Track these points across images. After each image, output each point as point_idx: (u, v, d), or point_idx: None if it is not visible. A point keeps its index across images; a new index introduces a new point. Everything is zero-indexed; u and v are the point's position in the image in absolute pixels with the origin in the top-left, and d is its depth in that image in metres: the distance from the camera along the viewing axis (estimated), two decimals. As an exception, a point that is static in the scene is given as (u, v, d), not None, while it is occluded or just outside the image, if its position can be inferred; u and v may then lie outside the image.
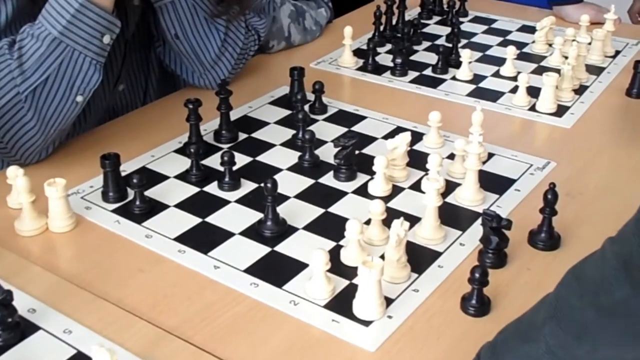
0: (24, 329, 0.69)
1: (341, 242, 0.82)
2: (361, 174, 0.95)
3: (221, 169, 0.93)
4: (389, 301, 0.73)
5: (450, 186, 0.92)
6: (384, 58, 1.33)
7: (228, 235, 0.84)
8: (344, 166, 0.94)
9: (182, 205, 0.89)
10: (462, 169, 0.92)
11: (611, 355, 0.51)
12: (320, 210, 0.88)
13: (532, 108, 1.15)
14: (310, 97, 1.13)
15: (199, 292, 0.76)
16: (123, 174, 0.93)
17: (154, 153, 1.01)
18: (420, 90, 1.22)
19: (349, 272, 0.77)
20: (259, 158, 1.00)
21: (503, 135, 1.07)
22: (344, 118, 1.12)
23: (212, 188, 0.93)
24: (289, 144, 1.04)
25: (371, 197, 0.90)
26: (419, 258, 0.80)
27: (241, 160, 0.98)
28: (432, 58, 1.31)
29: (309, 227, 0.85)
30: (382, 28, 1.41)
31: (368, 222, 0.83)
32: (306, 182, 0.95)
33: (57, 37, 0.90)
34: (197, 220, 0.87)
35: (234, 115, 1.09)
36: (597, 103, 1.18)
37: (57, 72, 0.91)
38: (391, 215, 0.80)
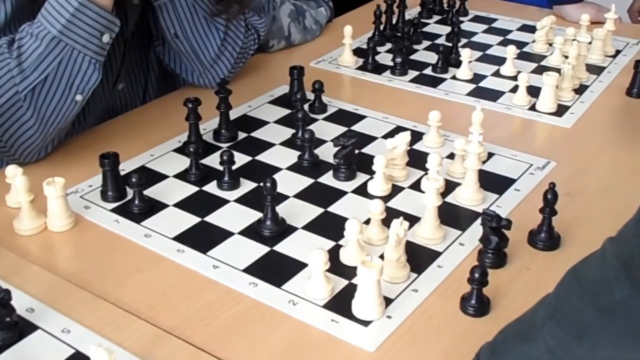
0: (22, 328, 0.69)
1: (340, 242, 0.82)
2: (361, 173, 0.95)
3: (220, 168, 0.93)
4: (388, 301, 0.73)
5: (450, 186, 0.92)
6: (384, 57, 1.33)
7: (227, 234, 0.84)
8: (344, 166, 0.94)
9: (181, 205, 0.89)
10: (462, 168, 0.92)
11: (611, 355, 0.51)
12: (320, 210, 0.88)
13: (532, 107, 1.15)
14: (310, 96, 1.13)
15: (198, 291, 0.76)
16: (122, 173, 0.93)
17: (153, 152, 1.01)
18: (420, 90, 1.22)
19: (348, 272, 0.77)
20: (259, 157, 1.00)
21: (503, 134, 1.07)
22: (344, 117, 1.12)
23: (212, 187, 0.93)
24: (288, 143, 1.04)
25: (371, 197, 0.90)
26: (419, 258, 0.79)
27: (240, 159, 0.98)
28: (432, 57, 1.31)
29: (309, 227, 0.85)
30: (382, 27, 1.40)
31: (367, 222, 0.82)
32: (306, 181, 0.94)
33: (57, 36, 0.90)
34: (196, 219, 0.86)
35: (233, 114, 1.09)
36: (597, 103, 1.18)
37: (56, 71, 0.91)
38: (391, 215, 0.80)
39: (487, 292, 0.73)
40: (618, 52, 1.37)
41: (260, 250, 0.81)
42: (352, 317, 0.71)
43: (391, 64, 1.28)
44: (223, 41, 1.15)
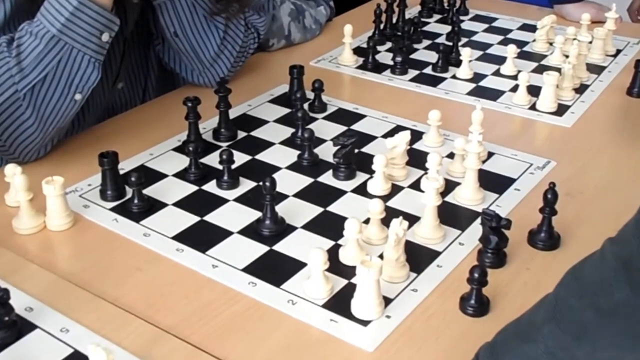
0: (21, 327, 0.69)
1: (340, 241, 0.82)
2: (360, 172, 0.95)
3: (220, 167, 0.92)
4: (387, 301, 0.73)
5: (450, 185, 0.92)
6: (384, 56, 1.32)
7: (226, 234, 0.84)
8: (343, 165, 0.94)
9: (181, 204, 0.89)
10: (462, 168, 0.92)
11: (611, 356, 0.51)
12: (319, 209, 0.88)
13: (533, 107, 1.15)
14: (310, 95, 1.13)
15: (197, 291, 0.76)
16: (122, 172, 0.92)
17: (152, 151, 1.01)
18: (420, 89, 1.21)
19: (347, 272, 0.77)
20: (258, 156, 1.00)
21: (503, 134, 1.07)
22: (344, 116, 1.11)
23: (211, 186, 0.92)
24: (288, 142, 1.03)
25: (370, 196, 0.89)
26: (418, 257, 0.79)
27: (240, 158, 0.98)
28: (432, 56, 1.31)
29: (308, 226, 0.85)
30: (382, 26, 1.40)
31: (367, 221, 0.82)
32: (305, 180, 0.94)
33: (56, 34, 0.90)
34: (195, 218, 0.86)
35: (233, 113, 1.09)
36: (597, 102, 1.18)
37: (55, 70, 0.91)
38: (390, 215, 0.80)
39: (486, 292, 0.73)
40: (619, 51, 1.37)
41: (260, 249, 0.81)
42: (351, 316, 0.71)
43: (391, 63, 1.27)
44: (223, 40, 1.14)
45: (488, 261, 0.78)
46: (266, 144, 1.03)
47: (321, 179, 0.95)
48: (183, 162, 0.97)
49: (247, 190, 0.92)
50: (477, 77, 1.25)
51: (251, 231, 0.84)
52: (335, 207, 0.89)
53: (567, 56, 1.21)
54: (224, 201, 0.90)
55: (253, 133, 1.06)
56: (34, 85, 0.91)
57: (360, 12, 1.57)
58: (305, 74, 1.15)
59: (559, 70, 1.18)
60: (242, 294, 0.75)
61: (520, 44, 1.36)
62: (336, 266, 0.77)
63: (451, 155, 0.97)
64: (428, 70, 1.28)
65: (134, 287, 0.76)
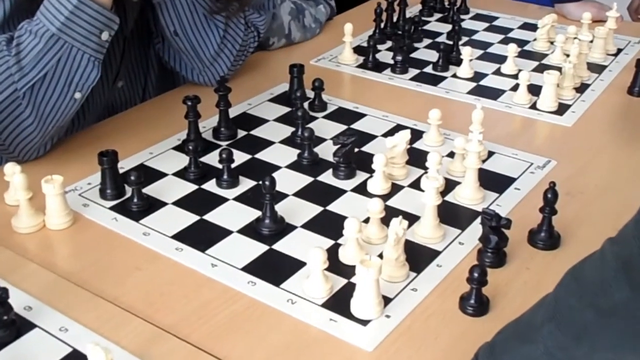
0: (20, 326, 0.69)
1: (339, 241, 0.81)
2: (360, 172, 0.95)
3: (220, 166, 0.92)
4: (387, 300, 0.73)
5: (450, 185, 0.92)
6: (385, 55, 1.32)
7: (226, 233, 0.83)
8: (343, 164, 0.94)
9: (180, 203, 0.89)
10: (462, 167, 0.92)
11: (610, 357, 0.51)
12: (319, 209, 0.88)
13: (533, 106, 1.15)
14: (310, 94, 1.13)
15: (196, 290, 0.76)
16: (121, 171, 0.92)
17: (152, 150, 1.01)
18: (420, 88, 1.21)
19: (347, 271, 0.77)
20: (258, 155, 1.00)
21: (503, 133, 1.07)
22: (344, 115, 1.11)
23: (211, 185, 0.92)
24: (288, 141, 1.03)
25: (370, 196, 0.89)
26: (418, 257, 0.79)
27: (240, 157, 0.98)
28: (432, 55, 1.31)
29: (308, 225, 0.85)
30: (382, 25, 1.40)
31: (367, 221, 0.82)
32: (305, 179, 0.94)
33: (55, 33, 0.90)
34: (195, 217, 0.86)
35: (233, 112, 1.09)
36: (598, 101, 1.17)
37: (55, 69, 0.91)
38: (390, 214, 0.80)
39: (486, 291, 0.73)
40: (619, 50, 1.36)
41: (259, 248, 0.81)
42: (350, 316, 0.71)
43: (392, 62, 1.27)
44: (223, 39, 1.14)
45: (488, 261, 0.78)
46: (266, 143, 1.03)
47: (321, 178, 0.94)
48: (183, 161, 0.96)
49: (247, 189, 0.92)
50: (478, 76, 1.25)
51: (251, 230, 0.84)
52: (335, 207, 0.88)
53: (567, 55, 1.21)
54: (223, 200, 0.90)
55: (253, 132, 1.06)
56: (34, 84, 0.91)
57: (361, 11, 1.56)
58: (305, 73, 1.14)
59: (559, 69, 1.18)
60: (241, 293, 0.75)
61: (521, 43, 1.36)
62: (336, 265, 0.77)
63: (451, 155, 0.97)
64: (428, 69, 1.28)
65: (133, 286, 0.76)
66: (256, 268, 0.78)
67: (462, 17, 1.50)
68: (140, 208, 0.87)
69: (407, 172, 0.95)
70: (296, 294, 0.74)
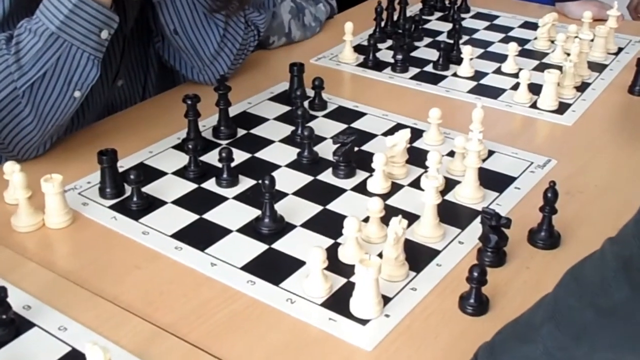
0: (19, 325, 0.69)
1: (339, 240, 0.81)
2: (360, 171, 0.95)
3: (219, 165, 0.92)
4: (386, 300, 0.73)
5: (450, 184, 0.92)
6: (385, 54, 1.32)
7: (225, 232, 0.83)
8: (343, 163, 0.94)
9: (180, 202, 0.89)
10: (462, 166, 0.91)
11: (610, 357, 0.51)
12: (319, 208, 0.88)
13: (534, 105, 1.15)
14: (310, 93, 1.12)
15: (195, 289, 0.76)
16: (121, 169, 0.92)
17: (152, 149, 1.01)
18: (420, 87, 1.21)
19: (346, 270, 0.77)
20: (258, 154, 1.00)
21: (504, 132, 1.06)
22: (344, 114, 1.11)
23: (210, 184, 0.92)
24: (288, 140, 1.03)
25: (370, 195, 0.89)
26: (417, 256, 0.79)
27: (240, 156, 0.98)
28: (433, 54, 1.30)
29: (307, 225, 0.85)
30: (383, 24, 1.40)
31: (366, 220, 0.82)
32: (305, 179, 0.94)
33: (55, 32, 0.90)
34: (194, 216, 0.86)
35: (233, 111, 1.08)
36: (599, 100, 1.17)
37: (54, 68, 0.91)
38: (390, 213, 0.80)
39: (486, 291, 0.73)
40: (620, 49, 1.36)
41: (259, 248, 0.81)
42: (350, 315, 0.71)
43: (392, 60, 1.27)
44: (223, 37, 1.14)
45: (488, 260, 0.78)
46: (266, 142, 1.03)
47: (321, 177, 0.94)
48: (182, 159, 0.96)
49: (247, 188, 0.92)
50: (478, 75, 1.24)
51: (250, 229, 0.83)
52: (334, 206, 0.88)
53: (568, 54, 1.21)
54: (223, 199, 0.89)
55: (253, 131, 1.06)
56: (33, 83, 0.91)
57: (361, 10, 1.56)
58: (305, 72, 1.14)
59: (560, 68, 1.18)
60: (240, 293, 0.75)
61: (522, 41, 1.36)
62: (335, 265, 0.77)
63: (451, 154, 0.97)
64: (429, 68, 1.27)
65: (132, 285, 0.76)
66: (255, 267, 0.78)
67: (463, 15, 1.50)
68: (140, 207, 0.87)
69: (407, 171, 0.94)
70: (295, 293, 0.74)
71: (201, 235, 0.83)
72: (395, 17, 1.44)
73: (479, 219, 0.81)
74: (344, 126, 1.07)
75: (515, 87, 1.18)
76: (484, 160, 0.96)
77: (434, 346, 0.69)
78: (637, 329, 0.49)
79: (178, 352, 0.67)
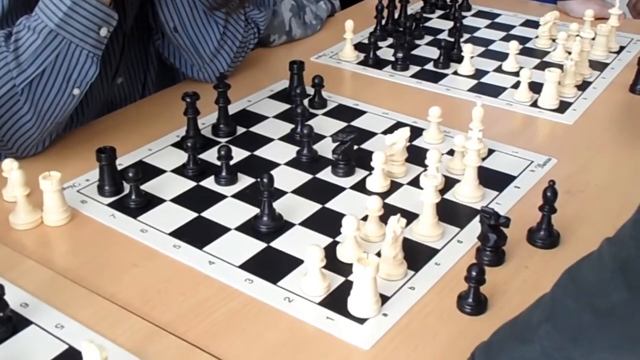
0: (16, 323, 0.69)
1: (337, 239, 0.81)
2: (360, 169, 0.94)
3: (218, 163, 0.92)
4: (384, 299, 0.72)
5: (450, 182, 0.91)
6: (386, 52, 1.32)
7: (224, 230, 0.83)
8: (342, 161, 0.93)
9: (178, 200, 0.89)
10: (462, 165, 0.91)
11: (608, 358, 0.51)
12: (318, 206, 0.88)
13: (534, 104, 1.14)
14: (310, 91, 1.12)
15: (193, 287, 0.75)
16: (120, 167, 0.92)
17: (151, 147, 1.01)
18: (421, 85, 1.21)
19: (344, 269, 0.76)
20: (257, 152, 0.99)
21: (504, 131, 1.06)
22: (344, 113, 1.11)
23: (209, 182, 0.92)
24: (287, 138, 1.03)
25: (369, 193, 0.89)
26: (416, 255, 0.79)
27: (239, 154, 0.97)
28: (434, 52, 1.30)
29: (306, 223, 0.84)
30: (383, 22, 1.39)
31: (365, 219, 0.82)
32: (304, 177, 0.94)
33: (54, 29, 0.89)
34: (193, 215, 0.86)
35: (233, 108, 1.08)
36: (600, 99, 1.17)
37: (53, 65, 0.91)
38: (389, 212, 0.79)
39: (485, 290, 0.72)
40: (622, 48, 1.36)
41: (257, 246, 0.81)
42: (347, 314, 0.71)
43: (392, 59, 1.27)
44: (223, 35, 1.14)
45: (486, 259, 0.78)
46: (265, 140, 1.02)
47: (320, 175, 0.94)
48: (181, 157, 0.96)
49: (246, 186, 0.91)
50: (479, 74, 1.24)
51: (249, 228, 0.83)
52: (333, 204, 0.88)
53: (569, 53, 1.20)
54: (221, 197, 0.89)
55: (252, 129, 1.06)
56: (32, 80, 0.90)
57: (362, 8, 1.56)
58: (305, 70, 1.14)
59: (561, 66, 1.17)
60: (238, 291, 0.75)
61: (523, 40, 1.36)
62: (333, 263, 0.77)
63: (451, 152, 0.97)
64: (429, 66, 1.27)
65: (130, 283, 0.76)
66: (254, 266, 0.78)
67: (464, 14, 1.50)
68: (138, 205, 0.87)
69: (407, 170, 0.94)
70: (293, 292, 0.74)
71: (199, 234, 0.83)
72: (396, 15, 1.43)
73: (478, 218, 0.81)
74: (344, 124, 1.07)
75: (516, 85, 1.18)
76: (483, 159, 0.95)
77: (431, 345, 0.68)
78: (635, 330, 0.49)
79: (175, 351, 0.67)
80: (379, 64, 1.27)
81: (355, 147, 0.97)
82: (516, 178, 0.94)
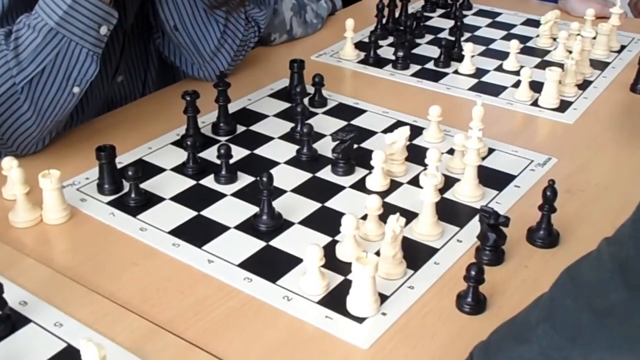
0: (15, 321, 0.69)
1: (337, 237, 0.81)
2: (359, 168, 0.94)
3: (218, 162, 0.92)
4: (383, 298, 0.72)
5: (450, 182, 0.91)
6: (386, 51, 1.32)
7: (223, 229, 0.83)
8: (342, 160, 0.93)
9: (178, 198, 0.89)
10: (462, 164, 0.91)
11: (606, 358, 0.50)
12: (317, 205, 0.88)
13: (535, 103, 1.14)
14: (310, 90, 1.12)
15: (192, 286, 0.75)
16: (120, 165, 0.92)
17: (151, 145, 1.00)
18: (421, 84, 1.21)
19: (344, 268, 0.76)
20: (257, 151, 0.99)
21: (504, 130, 1.06)
22: (344, 111, 1.11)
23: (209, 181, 0.92)
24: (287, 137, 1.03)
25: (369, 192, 0.89)
26: (415, 254, 0.79)
27: (239, 153, 0.97)
28: (434, 51, 1.30)
29: (305, 222, 0.84)
30: (384, 21, 1.39)
31: (365, 218, 0.82)
32: (304, 176, 0.94)
33: (54, 27, 0.89)
34: (192, 213, 0.86)
35: (233, 107, 1.08)
36: (600, 99, 1.17)
37: (53, 63, 0.91)
38: (388, 211, 0.79)
39: (484, 289, 0.72)
40: (623, 47, 1.35)
41: (256, 245, 0.81)
42: (346, 313, 0.71)
43: (393, 58, 1.27)
44: (223, 34, 1.14)
45: (486, 259, 0.78)
46: (265, 139, 1.02)
47: (320, 174, 0.94)
48: (181, 156, 0.96)
49: (245, 185, 0.91)
50: (480, 73, 1.24)
51: (248, 226, 0.83)
52: (333, 203, 0.88)
53: (570, 52, 1.20)
54: (221, 196, 0.89)
55: (252, 127, 1.06)
56: (32, 78, 0.90)
57: (363, 6, 1.56)
58: (306, 69, 1.14)
59: (562, 66, 1.17)
60: (237, 290, 0.75)
61: (524, 39, 1.35)
62: (332, 262, 0.77)
63: (451, 152, 0.96)
64: (430, 65, 1.27)
65: (129, 281, 0.76)
66: (253, 264, 0.78)
67: (465, 12, 1.49)
68: (138, 203, 0.87)
69: (406, 169, 0.94)
70: (292, 291, 0.74)
71: (199, 232, 0.83)
72: (396, 14, 1.43)
73: (477, 217, 0.81)
74: (344, 123, 1.07)
75: (517, 84, 1.17)
76: (483, 158, 0.95)
77: (430, 345, 0.68)
78: (634, 330, 0.49)
79: (174, 350, 0.67)
80: (380, 62, 1.27)
81: (355, 146, 0.97)
82: (516, 177, 0.94)
